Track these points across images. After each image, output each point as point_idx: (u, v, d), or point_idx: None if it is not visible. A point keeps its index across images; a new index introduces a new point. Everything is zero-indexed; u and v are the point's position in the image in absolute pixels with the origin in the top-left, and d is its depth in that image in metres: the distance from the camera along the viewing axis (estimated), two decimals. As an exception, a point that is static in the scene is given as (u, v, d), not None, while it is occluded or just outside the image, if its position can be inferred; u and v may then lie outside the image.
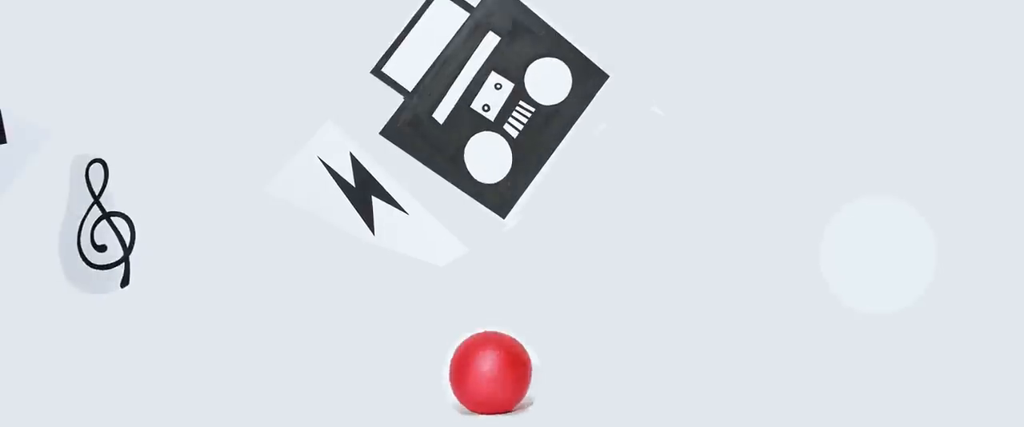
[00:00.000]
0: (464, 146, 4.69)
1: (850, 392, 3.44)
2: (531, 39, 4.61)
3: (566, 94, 4.66)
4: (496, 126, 4.71)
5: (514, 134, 4.67)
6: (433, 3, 4.63)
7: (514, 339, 3.81)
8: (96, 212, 4.91)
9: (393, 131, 4.64)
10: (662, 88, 4.73)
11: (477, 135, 4.77)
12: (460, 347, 3.99)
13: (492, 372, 3.89)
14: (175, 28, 4.85)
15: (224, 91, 4.74)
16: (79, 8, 4.61)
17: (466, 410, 4.15)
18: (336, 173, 4.73)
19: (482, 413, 4.02)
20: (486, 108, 4.72)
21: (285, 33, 4.83)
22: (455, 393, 4.09)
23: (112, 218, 4.76)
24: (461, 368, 3.93)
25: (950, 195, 3.98)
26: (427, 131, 4.66)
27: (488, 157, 4.69)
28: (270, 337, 3.95)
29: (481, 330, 3.97)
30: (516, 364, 3.76)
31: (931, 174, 3.96)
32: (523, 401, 4.19)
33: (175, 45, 4.83)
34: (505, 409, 4.14)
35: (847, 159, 4.12)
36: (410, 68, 4.65)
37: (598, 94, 4.61)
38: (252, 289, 3.98)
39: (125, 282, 4.60)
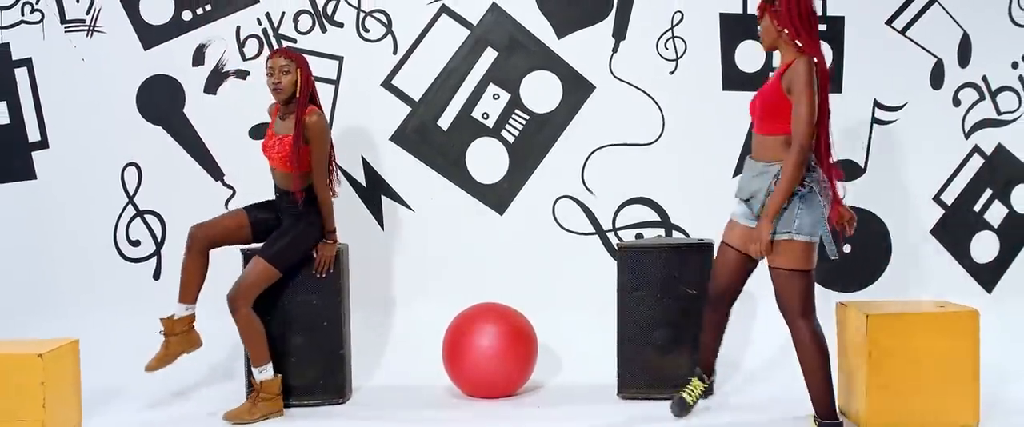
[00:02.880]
0: (465, 150, 5.02)
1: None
2: (525, 54, 4.95)
3: (557, 103, 4.96)
4: (494, 132, 5.02)
5: (510, 139, 5.01)
6: (437, 22, 4.92)
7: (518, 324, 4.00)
8: (131, 210, 5.27)
9: (402, 137, 4.97)
10: (642, 99, 4.92)
11: (477, 140, 5.05)
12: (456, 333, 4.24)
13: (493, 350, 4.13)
14: (205, 46, 5.12)
15: (248, 102, 5.00)
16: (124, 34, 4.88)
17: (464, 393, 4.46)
18: (349, 175, 5.01)
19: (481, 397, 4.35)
20: (485, 116, 5.03)
21: (302, 50, 5.07)
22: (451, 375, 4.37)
23: (145, 216, 5.09)
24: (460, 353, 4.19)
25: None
26: (432, 137, 5.00)
27: (487, 160, 4.99)
28: (290, 321, 4.24)
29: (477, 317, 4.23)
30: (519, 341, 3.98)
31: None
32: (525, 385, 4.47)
33: (204, 60, 5.11)
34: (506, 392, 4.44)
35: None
36: (417, 80, 4.97)
37: (586, 103, 4.94)
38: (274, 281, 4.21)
39: (157, 275, 4.93)
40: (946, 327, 3.70)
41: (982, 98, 5.04)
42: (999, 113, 5.04)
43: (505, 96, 4.98)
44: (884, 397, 3.67)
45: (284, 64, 4.06)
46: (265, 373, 4.06)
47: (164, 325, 4.11)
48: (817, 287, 4.84)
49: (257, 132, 4.87)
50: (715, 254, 3.83)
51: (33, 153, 4.97)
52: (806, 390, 3.53)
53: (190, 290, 4.09)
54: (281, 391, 4.11)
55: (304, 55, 4.25)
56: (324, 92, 4.91)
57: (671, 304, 4.22)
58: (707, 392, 3.89)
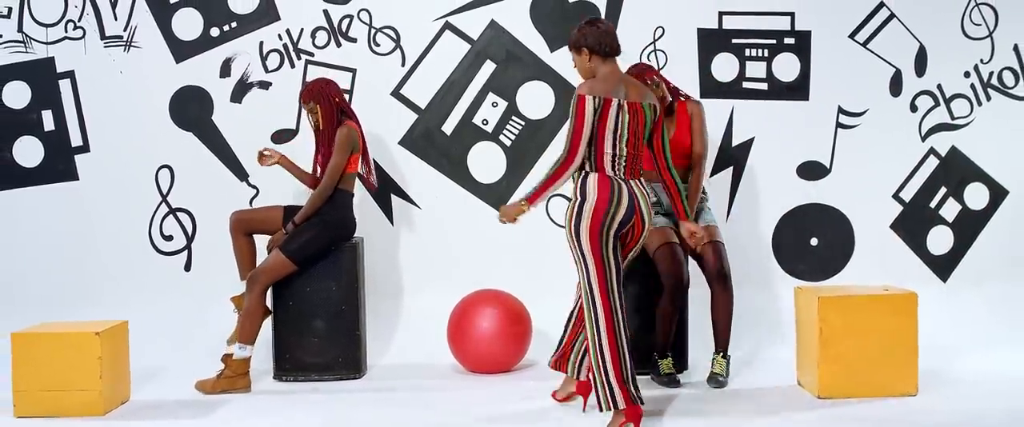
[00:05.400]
0: (467, 153, 5.37)
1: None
2: (521, 66, 5.33)
3: (550, 110, 5.34)
4: (493, 137, 5.39)
5: (508, 143, 5.39)
6: (441, 37, 5.32)
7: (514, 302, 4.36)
8: (164, 208, 5.58)
9: (409, 141, 5.37)
10: None
11: (478, 144, 5.38)
12: (459, 311, 4.60)
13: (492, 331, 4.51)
14: (231, 59, 5.36)
15: (270, 110, 5.31)
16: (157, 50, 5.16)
17: (466, 369, 4.85)
18: (361, 176, 5.31)
19: (482, 372, 4.72)
20: (485, 122, 5.40)
21: (319, 63, 5.38)
22: (455, 353, 4.75)
23: (177, 213, 5.40)
24: (461, 328, 4.56)
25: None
26: (437, 141, 5.38)
27: (487, 162, 5.33)
28: (313, 306, 4.63)
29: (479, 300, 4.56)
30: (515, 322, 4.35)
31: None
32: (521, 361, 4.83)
33: (231, 72, 5.40)
34: (504, 368, 4.84)
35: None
36: (423, 90, 5.35)
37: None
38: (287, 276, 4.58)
39: (188, 267, 5.33)
40: (889, 308, 4.08)
41: (937, 104, 5.33)
42: (953, 118, 5.34)
43: (503, 104, 5.31)
44: (834, 369, 4.07)
45: (311, 106, 4.55)
46: (243, 352, 4.45)
47: (235, 303, 4.61)
48: (783, 273, 5.29)
49: (279, 137, 5.21)
50: (663, 254, 4.36)
51: (76, 157, 5.30)
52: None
53: (245, 268, 4.59)
54: (248, 373, 4.47)
55: (320, 84, 4.61)
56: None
57: (648, 292, 4.53)
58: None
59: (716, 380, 4.35)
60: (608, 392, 3.61)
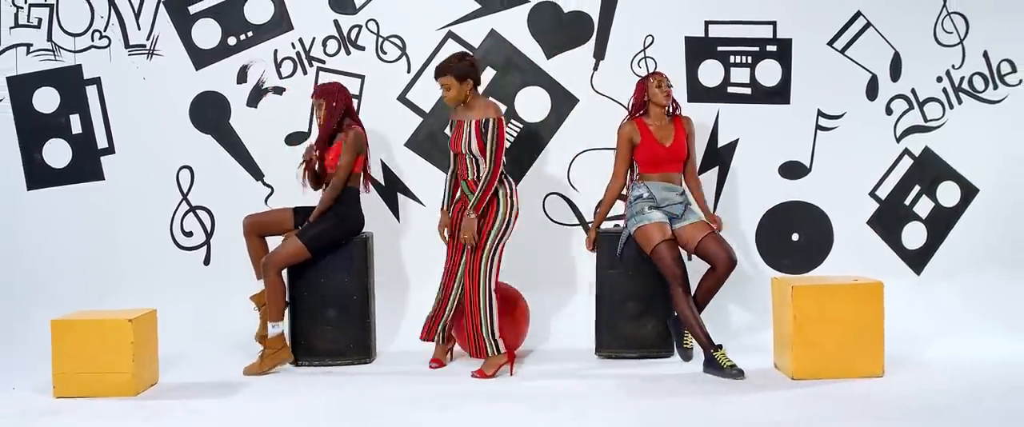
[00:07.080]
0: None
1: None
2: (519, 72, 5.55)
3: (546, 114, 5.57)
4: None
5: (507, 145, 5.41)
6: (444, 45, 5.55)
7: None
8: (185, 206, 5.78)
9: (414, 143, 5.60)
10: (618, 110, 5.41)
11: None
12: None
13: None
14: (248, 66, 5.55)
15: (284, 114, 5.52)
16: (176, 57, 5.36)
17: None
18: (370, 176, 5.50)
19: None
20: None
21: (330, 70, 5.56)
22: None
23: (197, 211, 5.63)
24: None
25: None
26: (441, 143, 5.55)
27: None
28: (326, 296, 4.88)
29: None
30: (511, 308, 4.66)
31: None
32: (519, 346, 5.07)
33: (247, 78, 5.61)
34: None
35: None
36: (427, 95, 5.55)
37: (570, 114, 5.54)
38: (302, 268, 4.87)
39: (207, 261, 5.54)
40: (857, 296, 4.36)
41: (911, 107, 5.54)
42: (926, 120, 5.56)
43: (502, 108, 5.33)
44: (807, 353, 4.34)
45: (319, 102, 4.80)
46: (276, 329, 4.74)
47: (254, 301, 4.85)
48: (765, 266, 5.52)
49: (292, 139, 5.44)
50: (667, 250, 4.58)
51: (102, 158, 5.53)
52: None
53: (258, 267, 4.84)
54: (286, 344, 4.77)
55: (333, 85, 4.85)
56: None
57: (640, 280, 4.85)
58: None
59: (737, 369, 4.44)
60: (493, 342, 4.57)
